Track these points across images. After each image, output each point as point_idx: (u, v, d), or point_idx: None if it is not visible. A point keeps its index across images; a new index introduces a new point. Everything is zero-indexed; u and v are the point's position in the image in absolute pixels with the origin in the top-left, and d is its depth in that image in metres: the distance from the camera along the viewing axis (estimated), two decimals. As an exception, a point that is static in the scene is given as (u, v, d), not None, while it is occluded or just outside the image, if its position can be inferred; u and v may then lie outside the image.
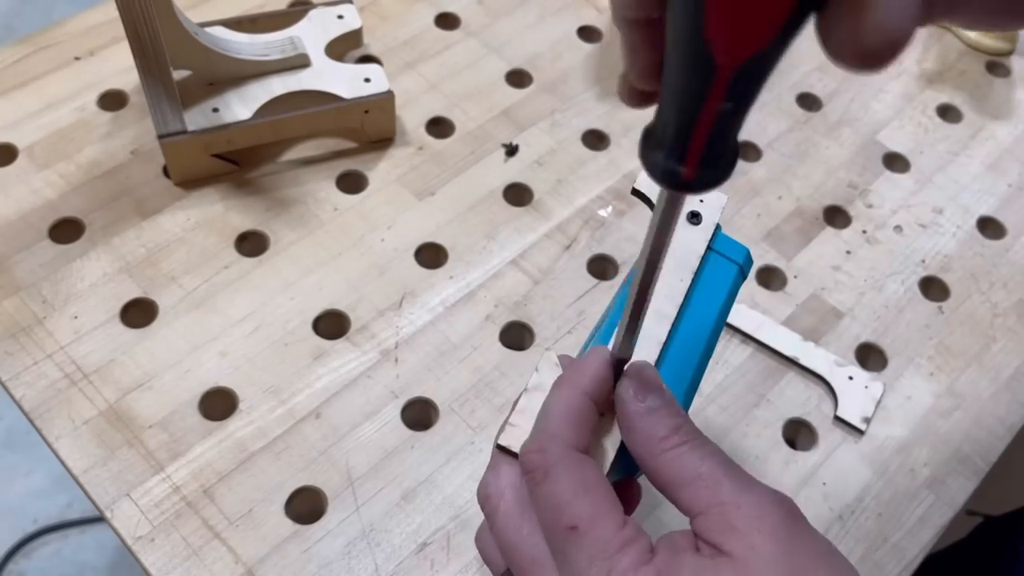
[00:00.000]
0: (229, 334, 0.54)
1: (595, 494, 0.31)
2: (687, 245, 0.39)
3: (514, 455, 0.35)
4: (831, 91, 0.72)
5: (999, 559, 0.64)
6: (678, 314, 0.38)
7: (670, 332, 0.38)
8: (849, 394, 0.55)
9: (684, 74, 0.23)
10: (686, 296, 0.39)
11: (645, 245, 0.30)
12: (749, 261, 0.40)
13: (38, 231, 0.58)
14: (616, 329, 0.35)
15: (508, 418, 0.36)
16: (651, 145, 0.26)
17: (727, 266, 0.40)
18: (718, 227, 0.40)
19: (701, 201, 0.40)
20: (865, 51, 0.21)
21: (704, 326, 0.38)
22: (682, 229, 0.39)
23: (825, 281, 0.61)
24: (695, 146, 0.24)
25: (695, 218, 0.40)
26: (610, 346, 0.36)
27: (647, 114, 0.26)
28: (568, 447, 0.32)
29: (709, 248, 0.40)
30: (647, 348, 0.37)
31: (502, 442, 0.35)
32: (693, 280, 0.39)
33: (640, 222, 0.62)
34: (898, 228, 0.64)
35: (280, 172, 0.62)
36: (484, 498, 0.35)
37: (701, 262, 0.39)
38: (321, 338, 0.55)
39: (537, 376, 0.37)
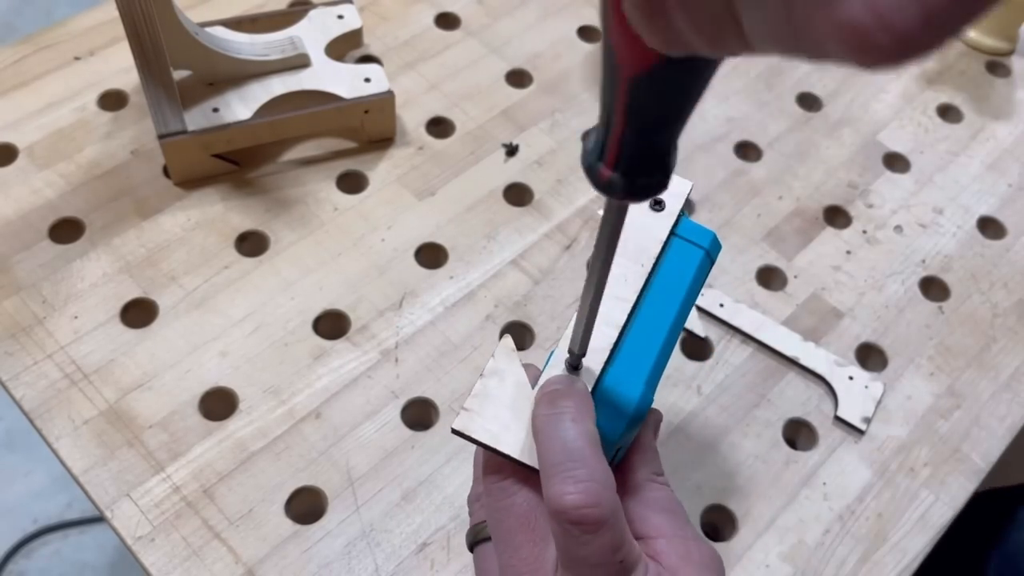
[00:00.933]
0: (229, 334, 0.54)
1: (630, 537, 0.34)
2: (648, 231, 0.40)
3: (467, 439, 0.36)
4: (831, 91, 0.72)
5: (999, 528, 0.64)
6: (639, 300, 0.38)
7: (629, 317, 0.38)
8: (849, 394, 0.55)
9: (604, 68, 0.24)
10: (648, 282, 0.39)
11: (596, 246, 0.30)
12: (716, 245, 0.40)
13: (38, 231, 0.58)
14: (572, 325, 0.35)
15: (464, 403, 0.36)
16: (586, 141, 0.27)
17: (692, 251, 0.40)
18: (682, 213, 0.41)
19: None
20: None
21: (667, 311, 0.38)
22: (643, 216, 0.40)
23: (825, 281, 0.61)
24: (612, 145, 0.25)
25: (658, 205, 0.40)
26: (566, 343, 0.36)
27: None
28: (614, 493, 0.33)
29: (673, 234, 0.40)
30: (604, 333, 0.37)
31: (456, 426, 0.36)
32: (656, 266, 0.39)
33: (640, 222, 0.62)
34: (898, 228, 0.64)
35: (280, 172, 0.62)
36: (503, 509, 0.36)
37: (664, 248, 0.39)
38: (321, 338, 0.55)
39: (493, 362, 0.37)
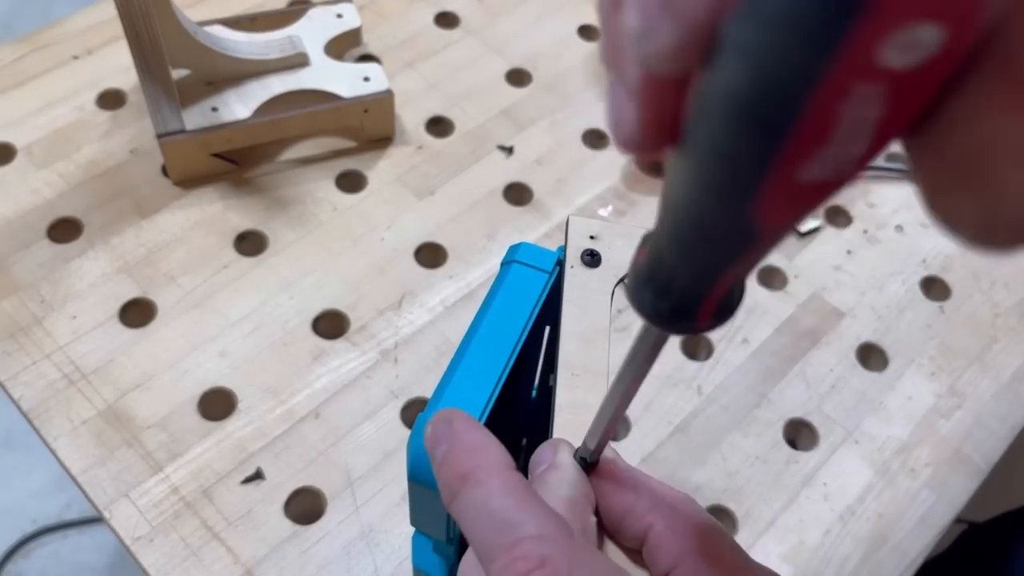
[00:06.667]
0: (228, 334, 0.54)
1: None
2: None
3: None
4: (831, 90, 0.72)
5: (989, 564, 0.64)
6: (476, 330, 0.35)
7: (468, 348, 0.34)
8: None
9: (716, 240, 0.20)
10: (486, 312, 0.35)
11: (626, 370, 0.26)
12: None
13: (37, 231, 0.57)
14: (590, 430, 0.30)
15: None
16: (654, 291, 0.22)
17: (535, 275, 0.37)
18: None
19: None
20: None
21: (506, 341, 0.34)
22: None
23: (826, 281, 0.61)
24: (713, 298, 0.22)
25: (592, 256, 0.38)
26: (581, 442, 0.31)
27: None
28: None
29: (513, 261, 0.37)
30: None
31: None
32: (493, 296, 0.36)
33: (640, 221, 0.62)
34: (899, 228, 0.64)
35: (279, 171, 0.62)
36: None
37: (503, 276, 0.36)
38: (320, 338, 0.55)
39: None
